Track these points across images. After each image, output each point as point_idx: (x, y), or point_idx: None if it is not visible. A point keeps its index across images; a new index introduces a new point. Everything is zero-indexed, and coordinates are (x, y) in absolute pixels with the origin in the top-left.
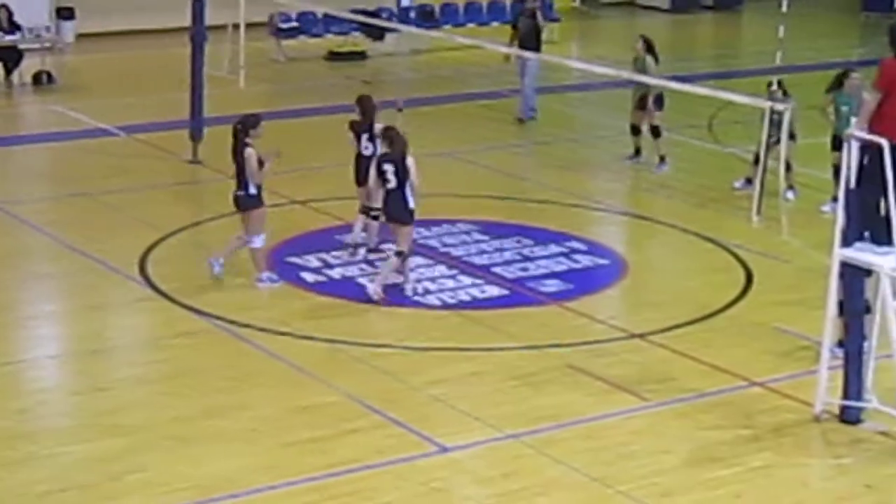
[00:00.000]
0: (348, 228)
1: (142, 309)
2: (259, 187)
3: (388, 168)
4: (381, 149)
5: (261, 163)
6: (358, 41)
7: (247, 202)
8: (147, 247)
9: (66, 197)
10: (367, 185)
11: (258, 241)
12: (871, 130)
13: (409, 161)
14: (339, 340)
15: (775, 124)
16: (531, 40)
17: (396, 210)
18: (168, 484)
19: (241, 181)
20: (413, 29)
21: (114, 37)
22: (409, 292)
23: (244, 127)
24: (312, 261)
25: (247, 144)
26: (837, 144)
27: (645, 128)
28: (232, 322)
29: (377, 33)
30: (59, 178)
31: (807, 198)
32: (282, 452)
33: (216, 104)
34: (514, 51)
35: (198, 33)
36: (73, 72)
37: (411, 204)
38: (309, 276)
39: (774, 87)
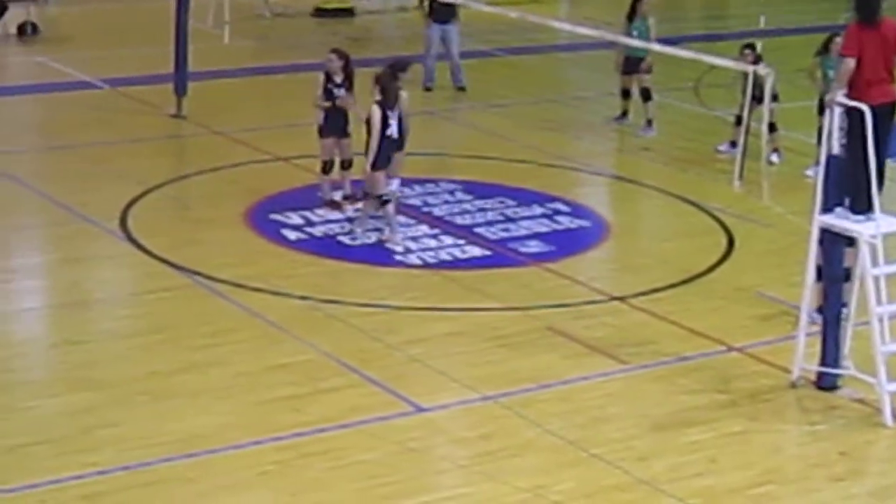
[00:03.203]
0: (334, 186)
1: (121, 263)
2: (401, 131)
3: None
4: (378, 96)
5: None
6: None
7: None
8: (128, 201)
9: (49, 149)
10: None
11: (395, 184)
12: (848, 96)
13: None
14: (317, 298)
15: (757, 86)
16: (449, 7)
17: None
18: (141, 439)
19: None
20: None
21: None
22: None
23: (394, 70)
24: (294, 218)
25: (399, 88)
26: (823, 109)
27: (635, 90)
28: (211, 278)
29: None
30: (42, 131)
31: (791, 162)
32: (256, 410)
33: (200, 59)
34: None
35: None
36: (58, 23)
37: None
38: (290, 234)
39: (748, 51)
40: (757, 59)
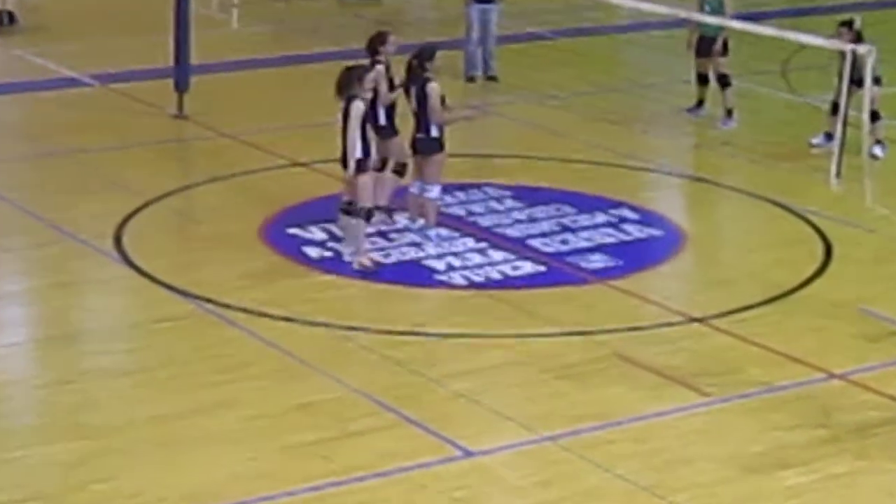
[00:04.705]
0: None
1: (117, 289)
2: (441, 129)
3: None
4: None
5: (442, 100)
6: None
7: (427, 145)
8: (124, 216)
9: (31, 157)
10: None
11: (435, 191)
12: None
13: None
14: (346, 326)
15: (856, 68)
16: None
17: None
18: (142, 494)
19: (422, 122)
20: None
21: None
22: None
23: (420, 60)
24: (317, 233)
25: (427, 79)
26: None
27: (712, 76)
28: (221, 305)
29: None
30: (22, 136)
31: None
32: (278, 457)
33: (205, 49)
34: None
35: None
36: (39, 11)
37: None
38: (313, 251)
39: (844, 28)
40: (856, 38)
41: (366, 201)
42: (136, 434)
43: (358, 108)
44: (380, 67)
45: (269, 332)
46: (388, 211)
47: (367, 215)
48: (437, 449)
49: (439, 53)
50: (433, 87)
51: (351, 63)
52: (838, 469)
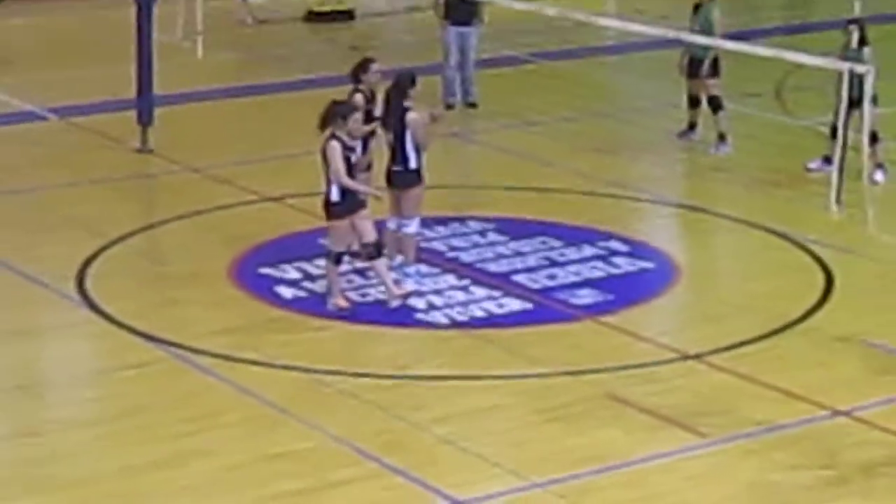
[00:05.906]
0: None
1: (79, 334)
2: (420, 160)
3: None
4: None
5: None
6: None
7: (405, 179)
8: (86, 257)
9: None
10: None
11: (413, 226)
12: None
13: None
14: (323, 370)
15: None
16: (469, 6)
17: None
18: None
19: (399, 154)
20: None
21: None
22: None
23: (400, 88)
24: (290, 271)
25: (408, 108)
26: None
27: (704, 99)
28: (191, 350)
29: None
30: None
31: None
32: None
33: (169, 79)
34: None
35: None
36: None
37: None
38: (286, 291)
39: (853, 26)
40: (862, 40)
41: (337, 246)
42: (102, 488)
43: (333, 148)
44: (358, 97)
45: (241, 378)
46: (378, 246)
47: (337, 259)
48: (423, 499)
49: (419, 79)
50: (413, 118)
51: (332, 93)
52: None
